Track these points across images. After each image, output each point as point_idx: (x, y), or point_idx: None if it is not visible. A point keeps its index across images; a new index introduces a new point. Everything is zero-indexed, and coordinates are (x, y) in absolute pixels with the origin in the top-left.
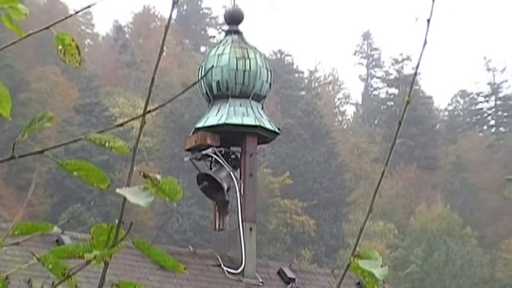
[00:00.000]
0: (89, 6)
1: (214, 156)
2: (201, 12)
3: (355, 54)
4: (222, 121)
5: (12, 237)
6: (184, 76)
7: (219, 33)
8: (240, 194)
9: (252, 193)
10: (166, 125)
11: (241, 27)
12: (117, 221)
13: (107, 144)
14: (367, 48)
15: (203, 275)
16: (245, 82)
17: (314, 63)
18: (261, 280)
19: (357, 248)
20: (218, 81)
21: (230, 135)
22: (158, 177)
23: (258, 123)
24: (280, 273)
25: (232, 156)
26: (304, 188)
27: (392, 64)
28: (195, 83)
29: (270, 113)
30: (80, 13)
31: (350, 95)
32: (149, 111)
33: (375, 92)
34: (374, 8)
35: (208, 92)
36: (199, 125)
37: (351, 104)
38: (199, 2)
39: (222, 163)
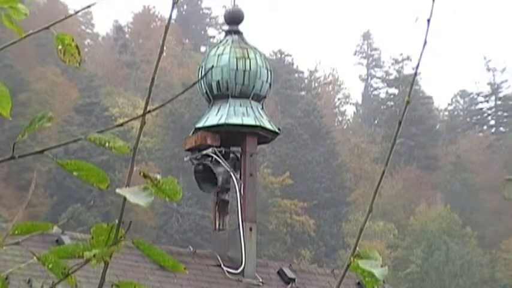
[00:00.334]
0: (88, 6)
1: (214, 156)
2: (201, 12)
3: (355, 54)
4: (222, 121)
5: (12, 237)
6: (184, 76)
7: (219, 33)
8: (240, 194)
9: (252, 193)
10: (166, 125)
11: (241, 27)
12: (117, 221)
13: (107, 144)
14: (367, 48)
15: (203, 275)
16: (245, 82)
17: (314, 63)
18: (261, 280)
19: (357, 248)
20: (218, 81)
21: (230, 135)
22: (158, 177)
23: (258, 123)
24: (280, 273)
25: (232, 156)
26: (304, 188)
27: (392, 64)
28: (195, 83)
29: (270, 113)
30: (80, 13)
31: (350, 95)
32: (149, 111)
33: (375, 92)
34: (374, 8)
35: (208, 92)
36: (199, 125)
37: (351, 104)
38: (199, 2)
39: (222, 163)
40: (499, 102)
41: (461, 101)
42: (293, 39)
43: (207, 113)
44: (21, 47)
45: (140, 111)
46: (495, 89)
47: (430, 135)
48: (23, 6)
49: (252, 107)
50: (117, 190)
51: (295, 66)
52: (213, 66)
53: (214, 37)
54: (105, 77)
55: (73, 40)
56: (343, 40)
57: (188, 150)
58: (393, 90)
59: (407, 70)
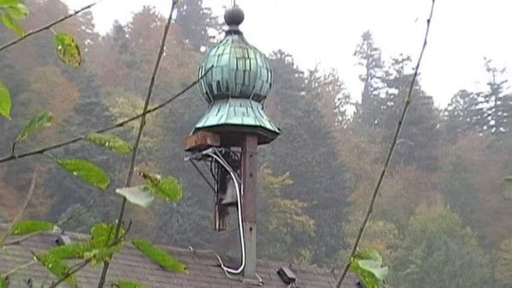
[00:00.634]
0: (88, 6)
1: (215, 156)
2: (201, 12)
3: (355, 54)
4: (222, 121)
5: (12, 237)
6: (184, 76)
7: (219, 33)
8: (240, 194)
9: (252, 193)
10: (166, 125)
11: (241, 27)
12: (117, 221)
13: (106, 143)
14: (367, 48)
15: (203, 275)
16: (245, 82)
17: (314, 63)
18: (261, 280)
19: (357, 248)
20: (218, 81)
21: (230, 135)
22: (158, 177)
23: (258, 123)
24: (280, 273)
25: (232, 156)
26: (304, 188)
27: (392, 64)
28: (194, 83)
29: (270, 113)
30: (80, 13)
31: (350, 95)
32: (149, 111)
33: (375, 92)
34: (374, 8)
35: (208, 92)
36: (200, 125)
37: (351, 104)
38: (199, 2)
39: (222, 163)
40: (499, 102)
41: (461, 101)
42: (293, 39)
43: (207, 113)
44: (21, 47)
45: (140, 111)
46: (495, 89)
47: (430, 135)
48: (23, 6)
49: (252, 107)
50: (117, 190)
51: (295, 66)
52: (213, 66)
53: (214, 37)
54: (105, 77)
55: (73, 40)
56: (343, 40)
57: (188, 150)
58: (393, 90)
59: (407, 70)
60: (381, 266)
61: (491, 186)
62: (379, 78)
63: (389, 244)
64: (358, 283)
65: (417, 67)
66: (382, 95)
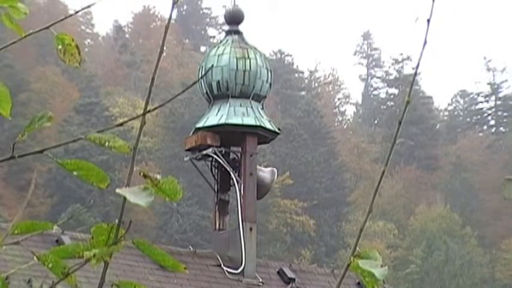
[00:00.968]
0: (88, 6)
1: (215, 156)
2: (201, 12)
3: (355, 54)
4: (222, 121)
5: (12, 237)
6: (184, 76)
7: (219, 33)
8: (240, 194)
9: (252, 193)
10: (166, 125)
11: (241, 27)
12: (117, 221)
13: (106, 143)
14: (367, 48)
15: (203, 275)
16: (245, 82)
17: (314, 63)
18: (261, 280)
19: (357, 248)
20: (218, 81)
21: (230, 135)
22: (158, 177)
23: (258, 123)
24: (280, 273)
25: (232, 156)
26: (304, 188)
27: (392, 64)
28: (194, 83)
29: (270, 113)
30: (80, 13)
31: (350, 95)
32: (149, 111)
33: (375, 92)
34: (374, 8)
35: (208, 92)
36: (200, 125)
37: (351, 104)
38: (199, 2)
39: (222, 163)
40: (499, 102)
41: (461, 101)
42: (293, 39)
43: (207, 113)
44: (21, 47)
45: (140, 111)
46: (495, 89)
47: (430, 135)
48: (23, 5)
49: (252, 107)
50: (117, 190)
51: (295, 66)
52: (213, 66)
53: (214, 37)
54: (105, 77)
55: (73, 40)
56: (343, 40)
57: (188, 150)
58: (393, 90)
59: (407, 70)
60: (381, 266)
61: (491, 186)
62: (379, 78)
63: (389, 244)
64: (358, 283)
65: (417, 67)
66: (382, 95)
